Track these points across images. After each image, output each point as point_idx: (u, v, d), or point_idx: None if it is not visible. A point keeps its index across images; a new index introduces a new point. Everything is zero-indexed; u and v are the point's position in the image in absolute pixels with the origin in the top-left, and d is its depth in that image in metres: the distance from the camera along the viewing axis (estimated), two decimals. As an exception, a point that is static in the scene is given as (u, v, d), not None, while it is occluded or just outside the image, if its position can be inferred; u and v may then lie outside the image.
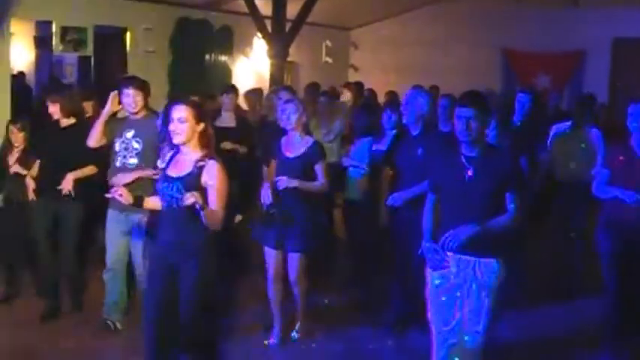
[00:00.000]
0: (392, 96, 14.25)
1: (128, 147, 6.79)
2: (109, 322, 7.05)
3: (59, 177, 7.07)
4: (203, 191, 5.11)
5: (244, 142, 8.93)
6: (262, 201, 6.83)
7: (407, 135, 7.13)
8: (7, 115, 9.80)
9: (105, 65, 13.21)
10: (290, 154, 6.72)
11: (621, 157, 6.42)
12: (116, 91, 6.86)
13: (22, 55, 14.47)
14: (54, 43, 12.52)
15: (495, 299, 5.15)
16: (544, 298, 8.28)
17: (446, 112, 8.06)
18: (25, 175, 7.52)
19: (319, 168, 6.69)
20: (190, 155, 5.24)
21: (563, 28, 17.34)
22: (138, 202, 5.52)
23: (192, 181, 5.12)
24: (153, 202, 5.55)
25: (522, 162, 6.76)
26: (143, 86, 6.92)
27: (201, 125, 5.22)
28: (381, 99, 15.32)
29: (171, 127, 5.19)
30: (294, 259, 6.73)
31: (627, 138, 6.43)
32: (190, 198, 4.93)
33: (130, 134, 6.79)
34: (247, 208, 9.31)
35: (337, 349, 6.99)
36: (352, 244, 8.89)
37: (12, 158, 7.66)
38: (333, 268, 9.18)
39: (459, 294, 5.19)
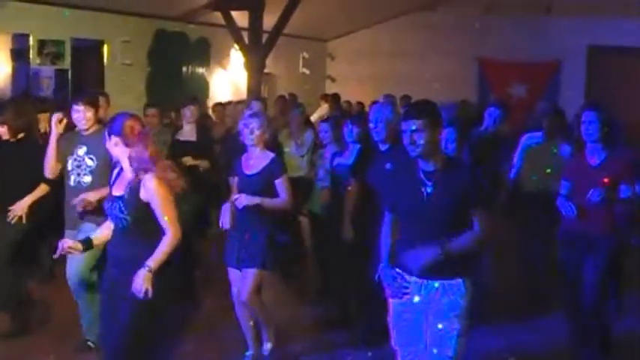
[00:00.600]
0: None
1: (81, 164, 6.61)
2: (89, 342, 6.87)
3: (8, 195, 6.94)
4: (146, 207, 5.01)
5: (205, 156, 8.78)
6: (221, 225, 6.75)
7: (375, 150, 6.98)
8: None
9: (82, 78, 13.19)
10: (249, 171, 6.56)
11: (577, 167, 6.48)
12: (59, 114, 6.71)
13: (-1, 69, 14.44)
14: (31, 56, 12.49)
15: (465, 319, 4.94)
16: (515, 310, 8.21)
17: None
18: None
19: (280, 183, 6.51)
20: (128, 172, 5.13)
21: (537, 37, 17.48)
22: (88, 246, 5.38)
23: (131, 199, 5.01)
24: (101, 237, 5.37)
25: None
26: (93, 101, 6.71)
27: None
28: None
29: None
30: (247, 275, 6.50)
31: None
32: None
33: (82, 151, 6.61)
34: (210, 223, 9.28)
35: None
36: (316, 256, 8.90)
37: None
38: (303, 279, 9.23)
39: (425, 318, 4.97)
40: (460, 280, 4.91)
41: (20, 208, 6.91)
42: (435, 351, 4.96)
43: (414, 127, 4.77)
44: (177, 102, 9.75)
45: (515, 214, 8.61)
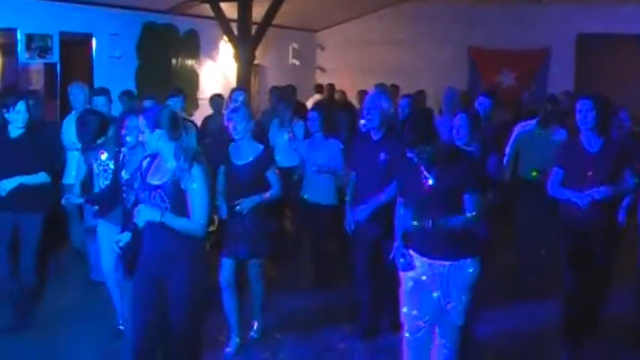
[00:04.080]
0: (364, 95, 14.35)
1: (107, 169, 6.83)
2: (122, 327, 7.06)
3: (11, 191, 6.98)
4: (184, 195, 5.12)
5: None
6: (219, 215, 6.87)
7: (368, 139, 6.98)
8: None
9: (71, 72, 13.12)
10: (239, 162, 6.69)
11: (573, 155, 6.54)
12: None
13: (-13, 64, 14.39)
14: (19, 50, 12.44)
15: (470, 297, 5.27)
16: (510, 296, 8.28)
17: (405, 112, 8.04)
18: None
19: (271, 174, 6.71)
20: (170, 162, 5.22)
21: (527, 25, 17.46)
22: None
23: (173, 188, 5.13)
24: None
25: (492, 161, 6.74)
26: None
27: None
28: (351, 99, 15.46)
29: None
30: (252, 265, 6.83)
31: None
32: None
33: (104, 156, 6.85)
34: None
35: (305, 352, 7.04)
36: (313, 245, 8.98)
37: None
38: (298, 269, 9.33)
39: (435, 294, 5.28)
40: (468, 260, 5.25)
41: (5, 184, 6.96)
42: (443, 322, 5.31)
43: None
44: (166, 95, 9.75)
45: (512, 203, 8.64)
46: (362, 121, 8.10)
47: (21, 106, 6.97)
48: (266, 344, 7.06)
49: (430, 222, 5.05)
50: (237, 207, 6.59)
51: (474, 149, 6.49)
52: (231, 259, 6.71)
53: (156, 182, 5.18)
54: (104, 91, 8.88)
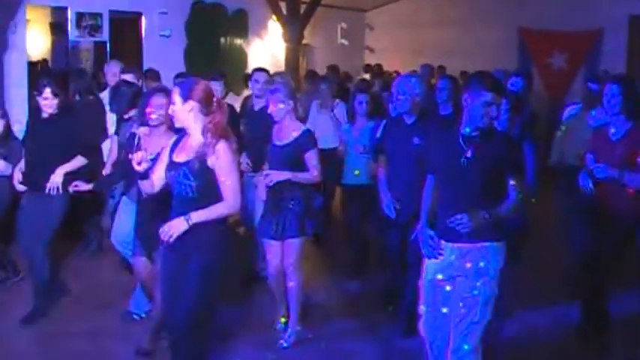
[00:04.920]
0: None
1: None
2: (134, 314, 6.99)
3: (44, 168, 6.95)
4: (212, 174, 4.96)
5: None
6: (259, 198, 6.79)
7: (400, 122, 6.75)
8: (26, 104, 9.87)
9: (121, 50, 13.23)
10: (279, 142, 6.48)
11: (598, 141, 6.38)
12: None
13: (39, 42, 14.54)
14: (69, 29, 12.55)
15: (494, 286, 4.92)
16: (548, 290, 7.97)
17: (443, 94, 7.88)
18: None
19: (309, 157, 6.40)
20: (197, 138, 5.05)
21: (578, 6, 17.17)
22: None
23: (198, 165, 4.96)
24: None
25: (525, 146, 6.50)
26: None
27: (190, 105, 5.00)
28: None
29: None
30: (290, 246, 6.48)
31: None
32: None
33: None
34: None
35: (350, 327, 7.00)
36: (352, 232, 8.77)
37: None
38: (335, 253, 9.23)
39: (448, 288, 5.01)
40: (494, 245, 4.93)
41: (56, 178, 6.92)
42: (459, 315, 4.94)
43: (492, 100, 4.84)
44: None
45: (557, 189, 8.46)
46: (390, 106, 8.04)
47: (47, 93, 6.95)
48: (312, 322, 6.95)
49: (486, 214, 4.79)
50: (264, 177, 6.43)
51: (514, 134, 6.33)
52: (273, 238, 6.51)
53: (181, 160, 5.04)
54: (132, 70, 9.07)
